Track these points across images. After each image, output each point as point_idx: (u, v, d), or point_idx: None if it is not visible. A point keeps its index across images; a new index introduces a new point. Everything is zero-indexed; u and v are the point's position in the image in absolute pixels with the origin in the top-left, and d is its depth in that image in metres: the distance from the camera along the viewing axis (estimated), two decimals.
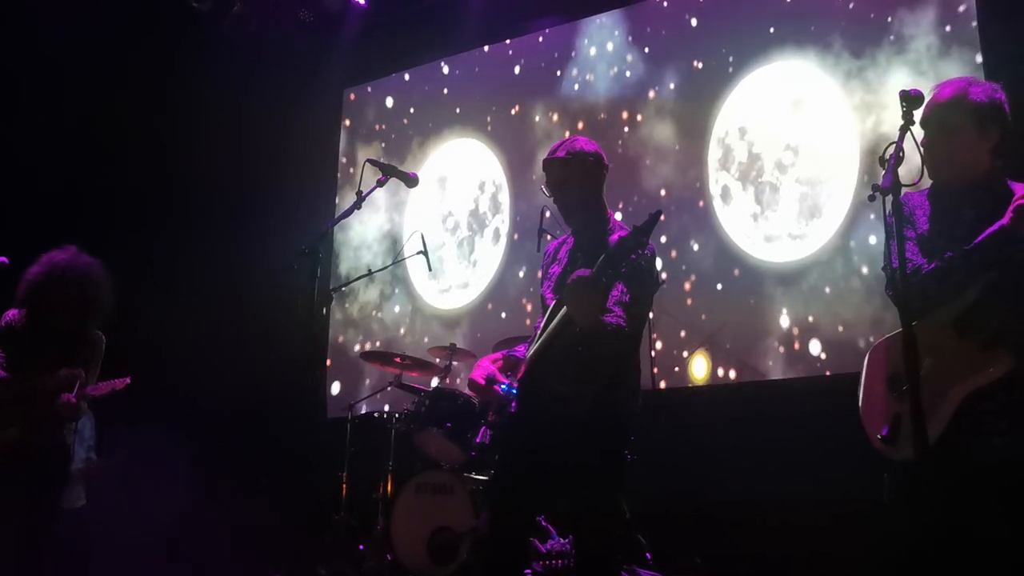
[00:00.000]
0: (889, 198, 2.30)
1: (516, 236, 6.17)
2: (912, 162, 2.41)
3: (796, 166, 5.14)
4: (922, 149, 2.71)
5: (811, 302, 4.95)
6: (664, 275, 5.18)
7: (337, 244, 7.00)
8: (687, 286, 5.38)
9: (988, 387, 2.51)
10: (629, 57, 5.90)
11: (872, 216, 4.80)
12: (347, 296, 6.82)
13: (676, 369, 5.29)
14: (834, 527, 4.17)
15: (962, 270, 2.58)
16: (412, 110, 6.92)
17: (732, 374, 5.15)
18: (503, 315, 6.10)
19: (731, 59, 5.48)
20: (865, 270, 4.82)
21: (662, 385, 5.15)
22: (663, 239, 5.43)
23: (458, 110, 6.67)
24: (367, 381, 6.49)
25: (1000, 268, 2.54)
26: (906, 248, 2.66)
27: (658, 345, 5.26)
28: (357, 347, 6.67)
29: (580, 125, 5.98)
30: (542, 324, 3.04)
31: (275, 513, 5.57)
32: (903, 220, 2.41)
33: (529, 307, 5.89)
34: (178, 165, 6.55)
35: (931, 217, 2.74)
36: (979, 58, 4.65)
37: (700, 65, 5.60)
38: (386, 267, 6.17)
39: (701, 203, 5.44)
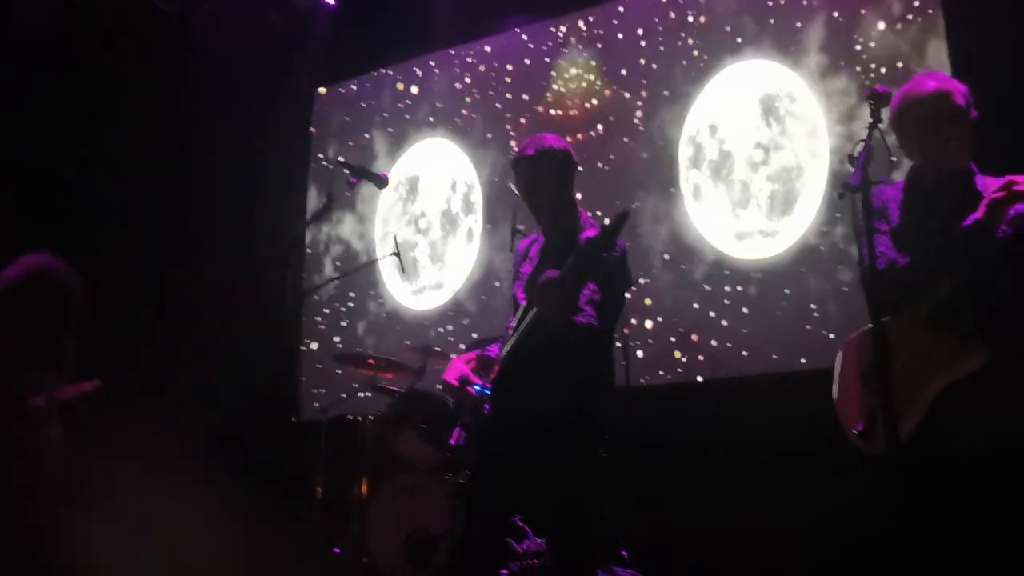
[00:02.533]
0: (860, 196, 2.32)
1: (488, 236, 6.16)
2: (880, 159, 2.43)
3: (767, 164, 5.17)
4: (898, 143, 2.74)
5: (784, 298, 4.98)
6: (641, 278, 5.21)
7: (308, 246, 6.96)
8: (660, 284, 5.39)
9: (962, 381, 2.53)
10: (601, 56, 5.91)
11: (841, 213, 4.83)
12: (319, 299, 6.78)
13: (650, 367, 5.30)
14: (811, 522, 4.19)
15: (936, 264, 2.60)
16: (383, 110, 6.89)
17: (706, 371, 5.17)
18: (476, 315, 6.09)
19: (703, 57, 5.50)
20: (838, 265, 4.85)
21: (636, 383, 5.15)
22: (636, 236, 5.43)
23: (429, 110, 6.65)
24: (341, 384, 6.45)
25: (973, 262, 2.57)
26: (880, 242, 2.68)
27: (632, 343, 5.26)
28: (330, 350, 6.63)
29: (551, 124, 5.97)
30: (514, 324, 3.04)
31: (249, 517, 5.53)
32: (873, 216, 2.43)
33: (502, 307, 5.88)
34: (143, 166, 6.47)
35: (905, 211, 2.77)
36: (945, 55, 4.69)
37: (671, 63, 5.62)
38: (358, 269, 6.14)
39: (673, 201, 5.45)
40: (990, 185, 2.67)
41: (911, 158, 2.84)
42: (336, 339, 6.69)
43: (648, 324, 5.35)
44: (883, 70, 4.87)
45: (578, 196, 3.32)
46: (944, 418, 2.53)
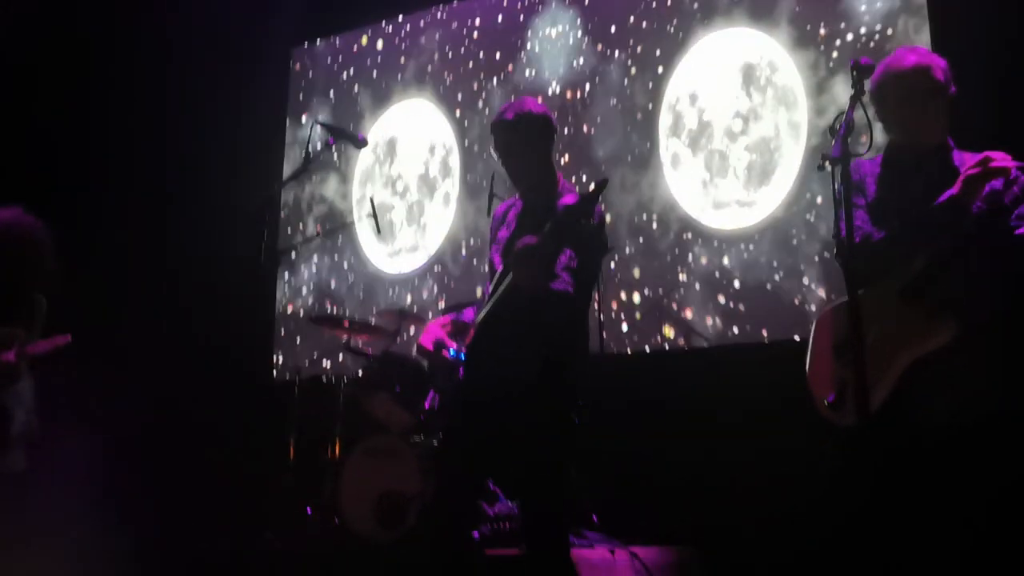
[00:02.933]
0: (839, 168, 2.33)
1: (466, 199, 6.13)
2: (861, 132, 2.44)
3: (746, 133, 5.17)
4: (876, 117, 2.74)
5: (759, 269, 5.01)
6: (615, 247, 5.21)
7: (284, 206, 6.91)
8: (636, 252, 5.40)
9: (933, 355, 2.56)
10: (583, 20, 5.86)
11: (820, 184, 4.85)
12: (295, 259, 6.75)
13: (624, 334, 5.32)
14: (784, 495, 4.24)
15: (911, 239, 2.62)
16: (362, 69, 6.82)
17: (680, 340, 5.20)
18: (452, 279, 6.08)
19: (683, 25, 5.47)
20: (812, 237, 4.87)
21: (610, 350, 5.18)
22: (614, 204, 5.43)
23: (409, 71, 6.58)
24: (315, 344, 6.44)
25: (947, 238, 2.59)
26: (856, 215, 2.70)
27: (606, 310, 5.29)
28: (305, 311, 6.61)
29: (531, 88, 5.94)
30: (491, 289, 3.04)
31: (221, 476, 5.53)
32: (851, 189, 2.44)
33: (479, 271, 5.87)
34: (119, 124, 6.40)
35: (882, 185, 2.78)
36: (927, 29, 4.70)
37: (654, 30, 5.59)
38: (334, 229, 6.11)
39: (652, 170, 5.45)
40: (967, 161, 2.68)
41: (889, 132, 2.85)
42: (311, 300, 6.67)
43: (622, 293, 5.36)
44: (869, 43, 4.87)
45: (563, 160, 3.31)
46: (913, 391, 2.56)
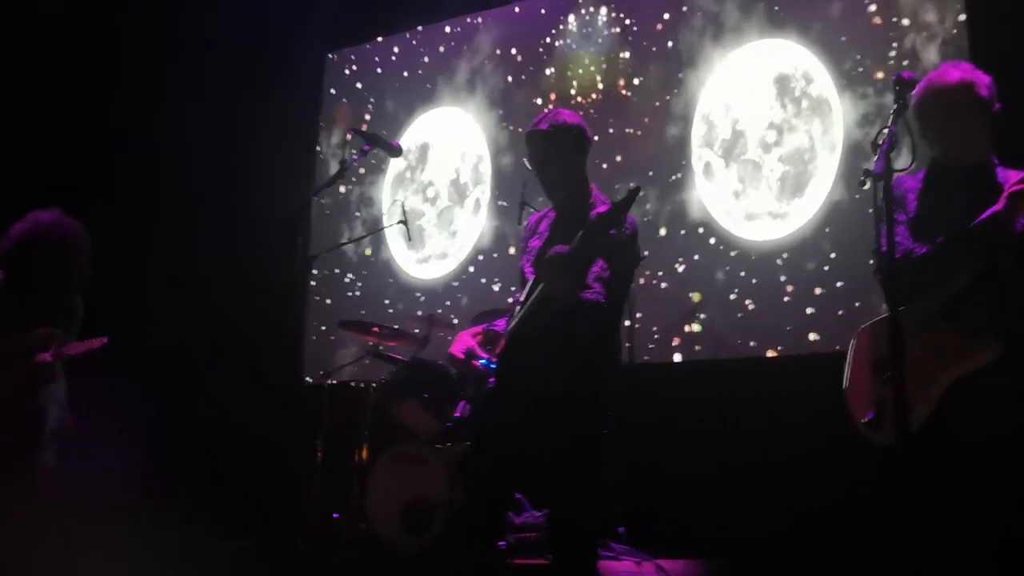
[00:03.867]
0: (881, 184, 2.29)
1: (497, 207, 6.13)
2: (904, 147, 2.40)
3: (779, 144, 5.14)
4: (919, 133, 2.70)
5: (790, 281, 4.97)
6: (646, 252, 5.18)
7: (317, 212, 6.94)
8: (668, 262, 5.37)
9: (975, 373, 2.52)
10: (618, 30, 5.85)
11: (856, 197, 4.80)
12: (325, 264, 6.77)
13: (655, 345, 5.30)
14: (809, 505, 4.20)
15: (954, 256, 2.58)
16: (395, 77, 6.84)
17: (710, 352, 5.17)
18: (482, 286, 6.08)
19: (718, 35, 5.45)
20: (846, 251, 4.83)
21: (641, 360, 5.16)
22: (645, 215, 5.41)
23: (442, 78, 6.60)
24: (344, 350, 6.46)
25: (990, 255, 2.54)
26: (897, 232, 2.66)
27: (638, 320, 5.26)
28: (335, 316, 6.63)
29: (565, 97, 5.94)
30: (522, 299, 3.03)
31: (249, 480, 5.56)
32: (893, 205, 2.40)
33: (509, 279, 5.87)
34: (156, 133, 6.45)
35: (923, 201, 2.74)
36: (966, 42, 4.65)
37: (688, 41, 5.57)
38: (365, 236, 6.13)
39: (684, 180, 5.43)
40: (1011, 178, 2.64)
41: (931, 148, 2.80)
42: (341, 305, 6.69)
43: (653, 302, 5.33)
44: (905, 61, 4.82)
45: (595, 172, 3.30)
46: (954, 410, 2.51)
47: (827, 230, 4.90)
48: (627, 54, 5.79)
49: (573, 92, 5.94)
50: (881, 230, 2.36)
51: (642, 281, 5.31)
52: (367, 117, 6.89)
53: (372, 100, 6.92)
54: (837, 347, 4.57)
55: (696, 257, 5.28)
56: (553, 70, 6.07)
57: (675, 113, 5.52)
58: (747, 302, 5.07)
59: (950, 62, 2.83)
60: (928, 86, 2.74)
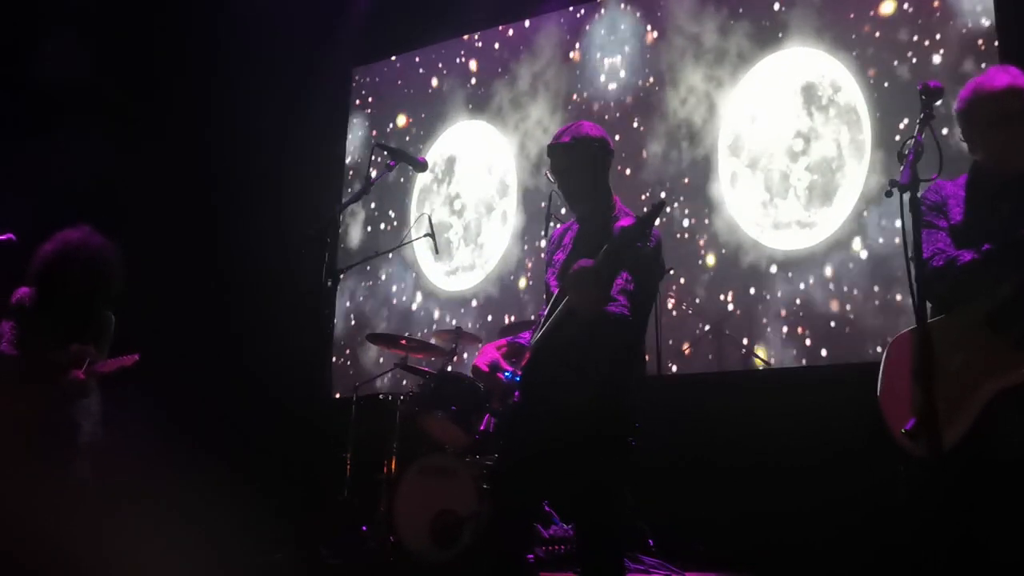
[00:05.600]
0: (907, 195, 2.26)
1: (523, 220, 6.15)
2: (931, 156, 2.37)
3: (806, 154, 5.11)
4: (963, 138, 2.66)
5: (819, 290, 4.94)
6: (672, 270, 5.16)
7: (344, 226, 6.99)
8: (695, 273, 5.36)
9: (1019, 386, 2.46)
10: (642, 41, 5.86)
11: (883, 204, 4.76)
12: (353, 278, 6.82)
13: (681, 356, 5.28)
14: (841, 519, 4.16)
15: (999, 264, 2.51)
16: (421, 91, 6.89)
17: (738, 362, 5.14)
18: (509, 299, 6.09)
19: (743, 45, 5.44)
20: (874, 259, 4.79)
21: (668, 371, 5.14)
22: (671, 225, 5.40)
23: (468, 91, 6.63)
24: (372, 363, 6.49)
25: None
26: (938, 239, 2.60)
27: (663, 333, 5.24)
28: (363, 329, 6.67)
29: (590, 109, 5.95)
30: (546, 312, 3.03)
31: (279, 493, 5.58)
32: (920, 215, 2.36)
33: (535, 291, 5.88)
34: (184, 147, 6.52)
35: (966, 208, 2.67)
36: (996, 47, 4.60)
37: (712, 51, 5.56)
38: (393, 249, 6.15)
39: (711, 190, 5.41)
40: None
41: (974, 154, 2.74)
42: (369, 319, 6.73)
43: (679, 313, 5.32)
44: (932, 63, 4.78)
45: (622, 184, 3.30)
46: (997, 422, 2.45)
47: (856, 238, 4.86)
48: (652, 64, 5.78)
49: (598, 103, 5.93)
50: (921, 237, 2.31)
51: (672, 296, 5.29)
52: (392, 130, 6.93)
53: (397, 113, 6.96)
54: (861, 359, 4.55)
55: (725, 267, 5.26)
56: (579, 81, 6.08)
57: (702, 122, 5.51)
58: (777, 312, 5.04)
59: (997, 66, 2.76)
60: (975, 90, 2.68)
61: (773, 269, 5.10)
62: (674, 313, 5.34)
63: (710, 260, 5.32)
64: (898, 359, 2.67)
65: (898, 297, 4.66)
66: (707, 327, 5.20)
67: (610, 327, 2.82)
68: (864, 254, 4.83)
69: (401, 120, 6.94)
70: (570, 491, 3.06)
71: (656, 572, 3.92)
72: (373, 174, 3.47)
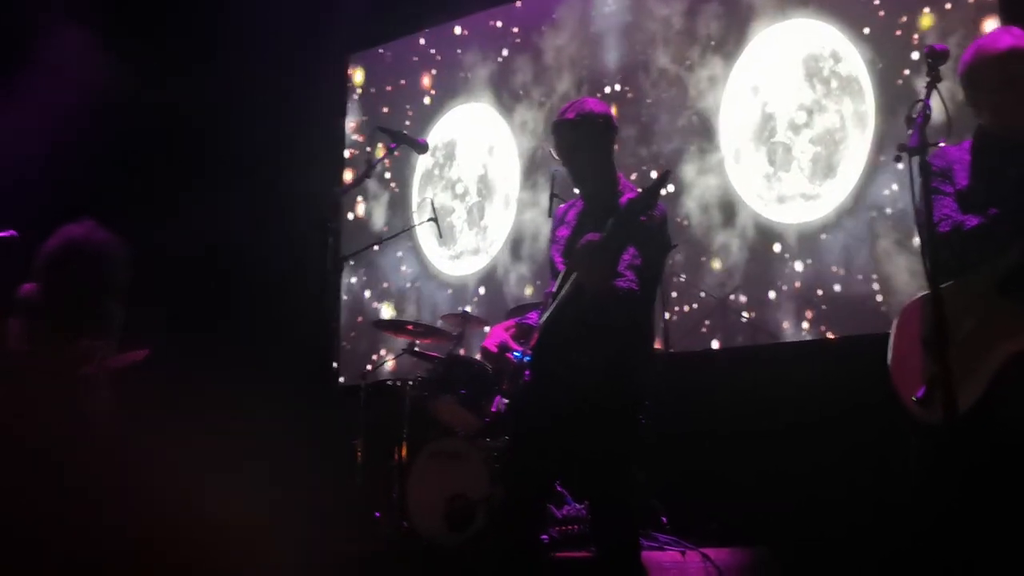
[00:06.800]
0: (916, 159, 2.23)
1: (526, 201, 6.12)
2: (937, 120, 2.34)
3: (810, 126, 5.07)
4: (967, 101, 2.62)
5: (825, 263, 4.91)
6: (677, 245, 5.13)
7: (347, 211, 6.97)
8: (700, 248, 5.33)
9: None
10: (642, 15, 5.81)
11: (888, 175, 4.73)
12: (358, 264, 6.80)
13: (689, 333, 5.26)
14: (853, 492, 4.16)
15: (1007, 228, 2.49)
16: (420, 73, 6.85)
17: (747, 337, 5.12)
18: (515, 281, 6.07)
19: (744, 16, 5.39)
20: (881, 230, 4.76)
21: (675, 348, 5.12)
22: (675, 201, 5.38)
23: (467, 73, 6.59)
24: (380, 349, 6.49)
25: None
26: (944, 204, 2.58)
27: (672, 308, 5.22)
28: (370, 315, 6.66)
29: (591, 86, 5.91)
30: (554, 291, 3.01)
31: (289, 480, 5.58)
32: (930, 180, 2.34)
33: (541, 273, 5.86)
34: (180, 133, 6.48)
35: (972, 173, 2.65)
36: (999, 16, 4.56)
37: (713, 23, 5.51)
38: (396, 235, 6.13)
39: (713, 164, 5.38)
40: None
41: (980, 117, 2.70)
42: (375, 305, 6.72)
43: (686, 289, 5.29)
44: (935, 28, 4.74)
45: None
46: (1007, 389, 2.43)
47: (862, 209, 4.83)
48: (653, 39, 5.74)
49: (600, 81, 5.90)
50: (922, 206, 2.29)
51: (681, 271, 5.27)
52: (392, 114, 6.89)
53: (397, 97, 6.93)
54: (871, 331, 4.53)
55: (730, 242, 5.23)
56: (580, 58, 6.04)
57: (704, 97, 5.47)
58: (784, 286, 5.01)
59: (1001, 27, 2.72)
60: (978, 52, 2.64)
61: (778, 245, 5.07)
62: (679, 290, 5.31)
63: (714, 236, 5.29)
64: (907, 327, 2.66)
65: (906, 266, 4.63)
66: (713, 302, 5.18)
67: (619, 302, 2.80)
68: (869, 224, 4.80)
69: (400, 102, 6.90)
70: (582, 470, 3.05)
71: (671, 548, 3.91)
72: (373, 158, 3.44)
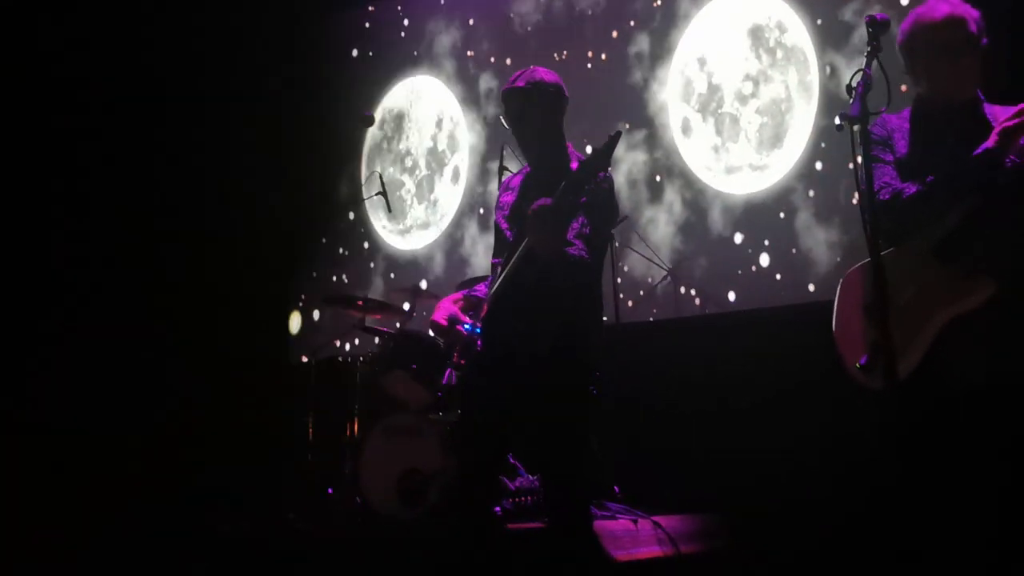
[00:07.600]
0: (857, 127, 2.25)
1: (476, 174, 6.09)
2: (879, 89, 2.36)
3: (756, 96, 5.10)
4: (905, 70, 2.65)
5: (773, 232, 4.95)
6: (627, 217, 5.14)
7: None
8: (650, 219, 5.35)
9: (969, 314, 2.49)
10: None
11: (834, 143, 4.77)
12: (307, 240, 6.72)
13: (641, 304, 5.28)
14: (804, 455, 4.22)
15: (944, 194, 2.53)
16: (368, 45, 6.76)
17: (697, 307, 5.16)
18: (464, 255, 6.05)
19: None
20: (828, 198, 4.80)
21: (625, 319, 5.14)
22: (625, 173, 5.38)
23: (415, 47, 6.52)
24: (330, 325, 6.43)
25: (982, 193, 2.51)
26: (884, 172, 2.62)
27: (621, 279, 5.24)
28: (319, 291, 6.59)
29: (540, 56, 5.87)
30: (502, 262, 3.00)
31: (241, 458, 5.54)
32: (871, 148, 2.37)
33: (490, 246, 5.83)
34: (135, 99, 6.31)
35: (911, 140, 2.69)
36: None
37: None
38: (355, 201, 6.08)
39: (661, 136, 5.39)
40: (998, 114, 2.59)
41: (918, 85, 2.74)
42: (325, 281, 6.65)
43: (637, 261, 5.31)
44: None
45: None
46: (949, 352, 2.48)
47: (809, 179, 4.87)
48: (600, 12, 5.71)
49: (548, 51, 5.86)
50: (863, 173, 2.32)
51: (629, 244, 5.29)
52: (341, 85, 6.80)
53: (345, 69, 6.83)
54: (817, 300, 4.59)
55: (678, 213, 5.26)
56: (528, 31, 6.00)
57: (652, 69, 5.47)
58: (733, 255, 5.05)
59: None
60: (916, 21, 2.67)
61: (727, 215, 5.10)
62: (629, 262, 5.33)
63: (666, 206, 5.31)
64: (850, 295, 2.70)
65: (850, 234, 4.68)
66: (664, 273, 5.20)
67: (568, 270, 2.80)
68: (816, 192, 4.85)
69: (348, 74, 6.80)
70: (535, 442, 3.06)
71: (623, 517, 3.95)
72: None
